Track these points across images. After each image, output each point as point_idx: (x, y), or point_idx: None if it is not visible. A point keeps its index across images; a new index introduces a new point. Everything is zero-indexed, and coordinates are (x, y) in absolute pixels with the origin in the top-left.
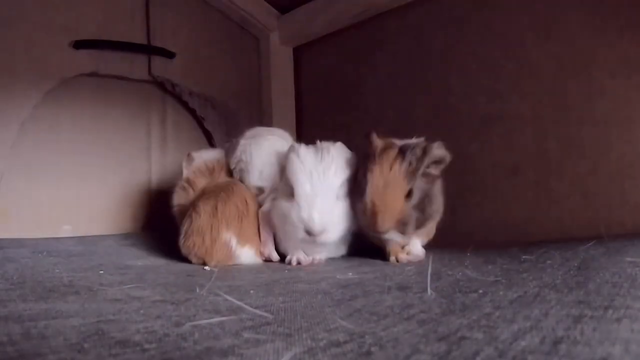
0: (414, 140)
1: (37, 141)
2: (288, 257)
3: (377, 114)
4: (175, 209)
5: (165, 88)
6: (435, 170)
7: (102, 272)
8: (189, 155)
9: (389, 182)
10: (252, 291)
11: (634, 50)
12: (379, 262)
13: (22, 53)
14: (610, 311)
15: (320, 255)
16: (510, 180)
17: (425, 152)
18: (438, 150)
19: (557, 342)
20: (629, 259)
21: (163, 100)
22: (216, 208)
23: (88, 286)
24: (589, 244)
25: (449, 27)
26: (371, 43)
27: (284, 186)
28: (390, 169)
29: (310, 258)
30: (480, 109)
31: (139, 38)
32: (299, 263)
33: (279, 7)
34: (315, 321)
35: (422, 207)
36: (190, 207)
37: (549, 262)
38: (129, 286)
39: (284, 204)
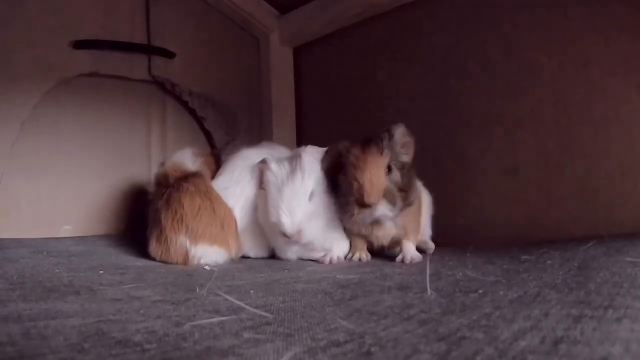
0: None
1: (37, 141)
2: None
3: (376, 113)
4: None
5: (165, 88)
6: (406, 157)
7: (102, 272)
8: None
9: (367, 161)
10: (252, 291)
11: (634, 50)
12: (378, 262)
13: (22, 53)
14: (610, 311)
15: (335, 254)
16: (510, 180)
17: (390, 133)
18: (399, 131)
19: (557, 342)
20: (629, 258)
21: (163, 100)
22: (161, 216)
23: (88, 286)
24: (589, 244)
25: (449, 27)
26: (371, 43)
27: (263, 197)
28: (364, 152)
29: (327, 256)
30: (480, 109)
31: (139, 38)
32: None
33: (279, 7)
34: (315, 321)
35: (404, 188)
36: (152, 209)
37: (549, 262)
38: (129, 286)
39: (263, 213)
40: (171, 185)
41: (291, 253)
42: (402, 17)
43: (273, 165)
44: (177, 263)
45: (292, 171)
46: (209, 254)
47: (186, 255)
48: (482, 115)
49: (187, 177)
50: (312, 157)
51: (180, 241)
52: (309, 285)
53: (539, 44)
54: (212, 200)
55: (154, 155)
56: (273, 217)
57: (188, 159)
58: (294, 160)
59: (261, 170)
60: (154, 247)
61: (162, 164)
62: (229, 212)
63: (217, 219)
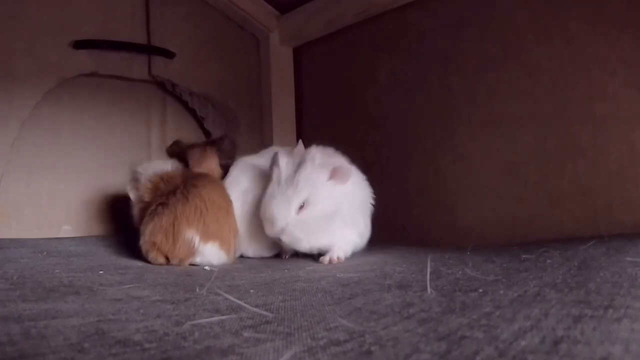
0: None
1: (37, 141)
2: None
3: (377, 113)
4: (134, 211)
5: (165, 88)
6: None
7: (102, 272)
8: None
9: None
10: (252, 290)
11: (634, 50)
12: (378, 260)
13: (22, 53)
14: (611, 311)
15: (336, 254)
16: (510, 180)
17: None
18: None
19: (557, 342)
20: (629, 258)
21: (163, 100)
22: (177, 207)
23: (88, 286)
24: (589, 244)
25: (449, 27)
26: (371, 43)
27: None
28: None
29: (327, 257)
30: (480, 109)
31: (139, 38)
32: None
33: (279, 7)
34: (315, 320)
35: None
36: (151, 207)
37: (549, 261)
38: (128, 286)
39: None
40: (182, 183)
41: (286, 248)
42: (402, 17)
43: (282, 161)
44: (180, 259)
45: (293, 175)
46: (213, 255)
47: (190, 251)
48: (482, 115)
49: (198, 175)
50: (319, 164)
51: (188, 236)
52: (308, 284)
53: (539, 44)
54: (228, 201)
55: (154, 155)
56: (260, 215)
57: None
58: (301, 162)
59: (274, 161)
60: (155, 240)
61: (140, 169)
62: (234, 215)
63: (229, 221)
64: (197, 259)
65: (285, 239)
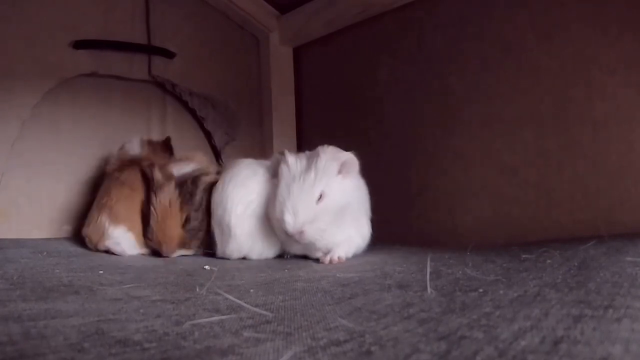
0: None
1: (37, 141)
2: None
3: (377, 113)
4: None
5: (165, 88)
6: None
7: (102, 272)
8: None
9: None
10: (252, 290)
11: (634, 50)
12: (378, 260)
13: (22, 53)
14: (611, 311)
15: (337, 253)
16: (510, 180)
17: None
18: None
19: (557, 342)
20: (629, 258)
21: (163, 100)
22: (98, 197)
23: (88, 286)
24: (589, 244)
25: (449, 27)
26: (371, 43)
27: (274, 188)
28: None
29: (328, 256)
30: (480, 109)
31: (139, 38)
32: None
33: (279, 7)
34: (315, 320)
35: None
36: None
37: (549, 261)
38: (128, 286)
39: (269, 207)
40: (110, 173)
41: (294, 249)
42: (402, 17)
43: (290, 159)
44: (95, 241)
45: (307, 170)
46: (121, 236)
47: (103, 231)
48: (482, 115)
49: (124, 166)
50: (330, 157)
51: (100, 220)
52: (308, 284)
53: (539, 43)
54: (135, 190)
55: None
56: (277, 214)
57: (135, 147)
58: (311, 158)
59: (278, 161)
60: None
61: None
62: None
63: (139, 206)
64: (107, 242)
65: (309, 230)
